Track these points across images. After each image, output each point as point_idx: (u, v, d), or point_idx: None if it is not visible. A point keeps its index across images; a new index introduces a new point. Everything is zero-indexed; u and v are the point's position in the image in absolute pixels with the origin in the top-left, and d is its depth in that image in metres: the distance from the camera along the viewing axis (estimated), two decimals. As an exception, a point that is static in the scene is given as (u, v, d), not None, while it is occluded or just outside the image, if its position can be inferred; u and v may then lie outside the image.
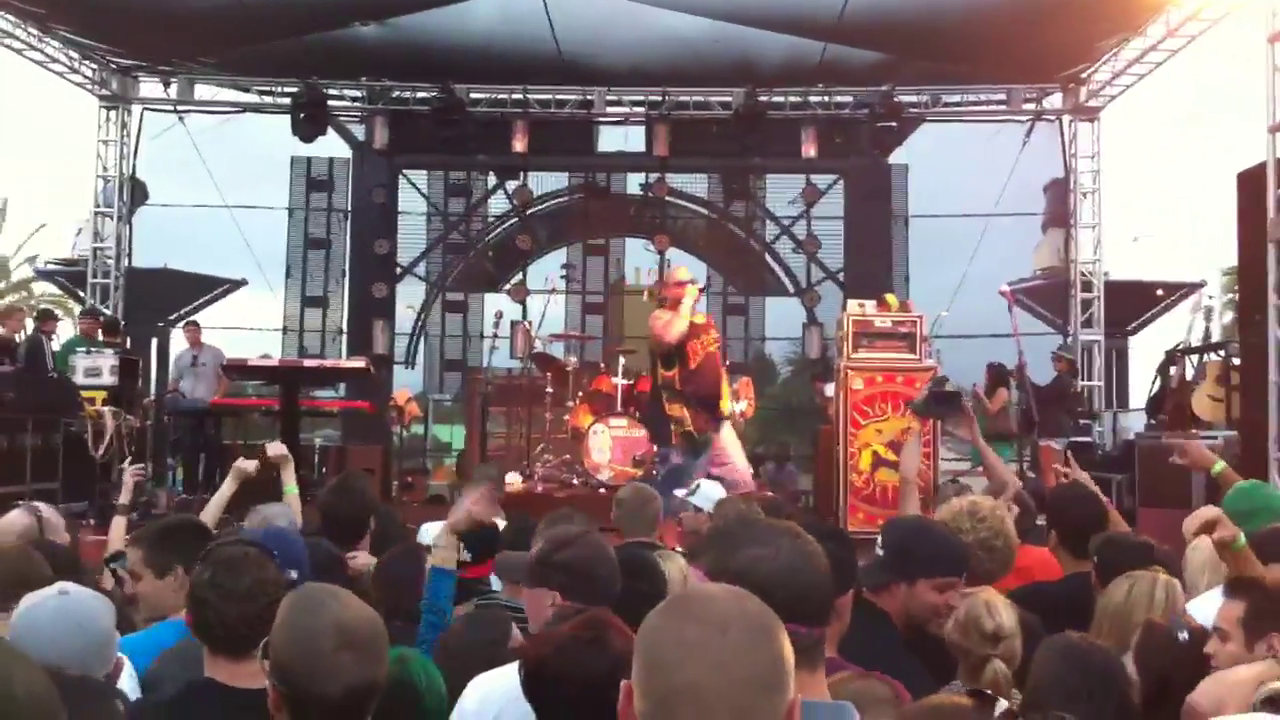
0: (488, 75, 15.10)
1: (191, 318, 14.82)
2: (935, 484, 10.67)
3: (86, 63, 15.26)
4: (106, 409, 11.17)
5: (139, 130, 15.91)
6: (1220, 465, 3.96)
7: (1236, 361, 11.12)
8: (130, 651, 3.14)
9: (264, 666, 2.38)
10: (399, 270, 17.01)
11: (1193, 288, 15.43)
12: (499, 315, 14.04)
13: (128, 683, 3.02)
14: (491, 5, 12.75)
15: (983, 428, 11.12)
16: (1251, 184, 10.04)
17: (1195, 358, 12.35)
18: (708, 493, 6.19)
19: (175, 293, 16.50)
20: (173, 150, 15.64)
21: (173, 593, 3.60)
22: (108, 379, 11.88)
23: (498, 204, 17.44)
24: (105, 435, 10.85)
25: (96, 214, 15.78)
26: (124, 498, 5.67)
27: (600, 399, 12.14)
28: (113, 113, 15.81)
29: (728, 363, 10.82)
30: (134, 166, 15.94)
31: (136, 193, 15.96)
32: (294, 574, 3.05)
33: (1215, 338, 12.91)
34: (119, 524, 5.41)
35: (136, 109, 15.95)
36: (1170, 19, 12.96)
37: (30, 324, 12.33)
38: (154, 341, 16.07)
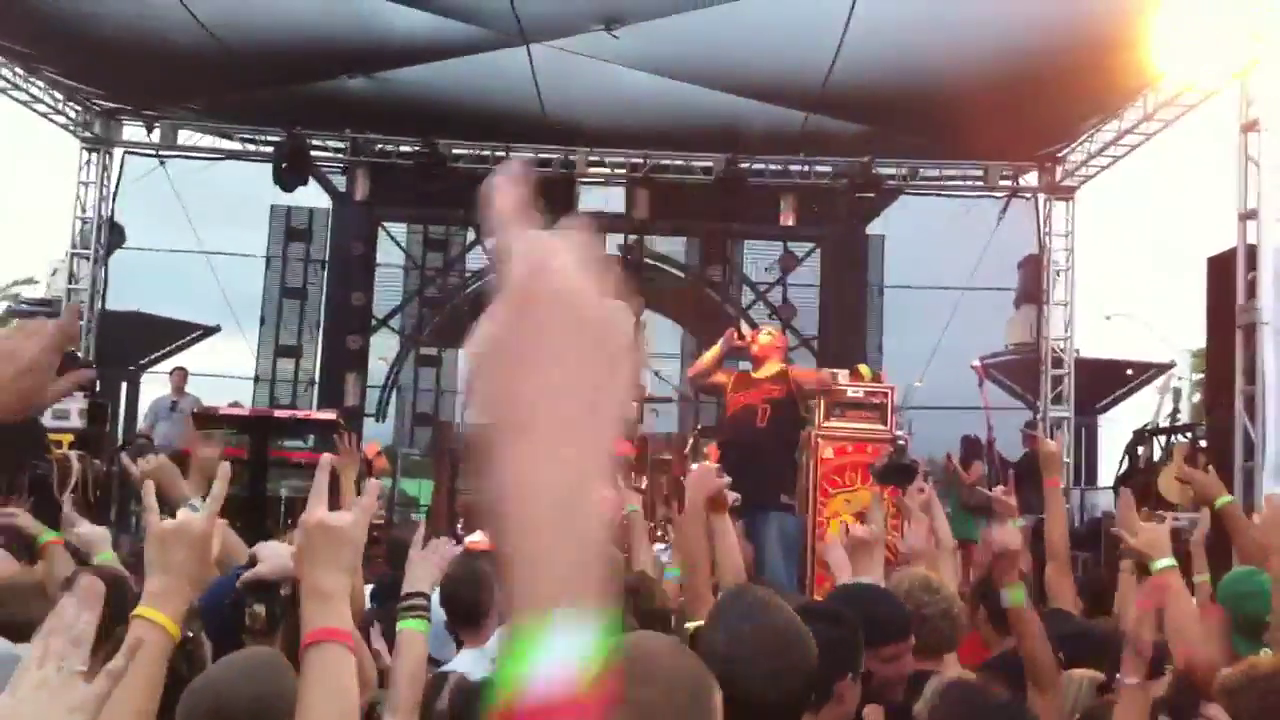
0: (471, 132, 15.19)
1: (178, 363, 14.80)
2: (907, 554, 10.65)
3: (70, 104, 15.28)
4: (73, 452, 11.09)
5: (119, 173, 15.91)
6: (1165, 561, 3.74)
7: (1204, 444, 11.20)
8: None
9: None
10: (374, 322, 16.98)
11: (1162, 368, 15.57)
12: (473, 371, 14.00)
13: None
14: (478, 63, 12.84)
15: (958, 500, 11.18)
16: (1221, 269, 10.19)
17: (1163, 439, 12.43)
18: None
19: (147, 337, 16.42)
20: (152, 193, 15.63)
21: None
22: (75, 422, 11.80)
23: (475, 259, 17.46)
24: (71, 479, 10.76)
25: (72, 255, 15.73)
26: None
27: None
28: (94, 155, 15.80)
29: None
30: (112, 209, 15.91)
31: (114, 235, 15.91)
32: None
33: (1184, 419, 13.00)
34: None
35: (118, 152, 15.95)
36: (1147, 104, 13.17)
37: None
38: (124, 385, 15.95)
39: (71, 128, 15.53)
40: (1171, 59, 10.47)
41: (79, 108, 15.43)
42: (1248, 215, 9.71)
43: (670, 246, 17.40)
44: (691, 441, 12.84)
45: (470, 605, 4.74)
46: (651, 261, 17.08)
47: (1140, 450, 12.60)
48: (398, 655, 3.06)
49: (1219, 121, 11.53)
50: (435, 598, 4.66)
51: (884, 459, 7.35)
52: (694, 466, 12.10)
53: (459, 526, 12.11)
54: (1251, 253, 9.60)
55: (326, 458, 2.12)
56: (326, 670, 1.93)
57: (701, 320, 17.48)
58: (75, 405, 11.87)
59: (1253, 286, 9.52)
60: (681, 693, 1.65)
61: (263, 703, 2.38)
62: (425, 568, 3.40)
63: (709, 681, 1.69)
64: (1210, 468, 3.89)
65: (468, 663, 4.41)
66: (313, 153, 15.54)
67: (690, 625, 3.52)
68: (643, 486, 11.61)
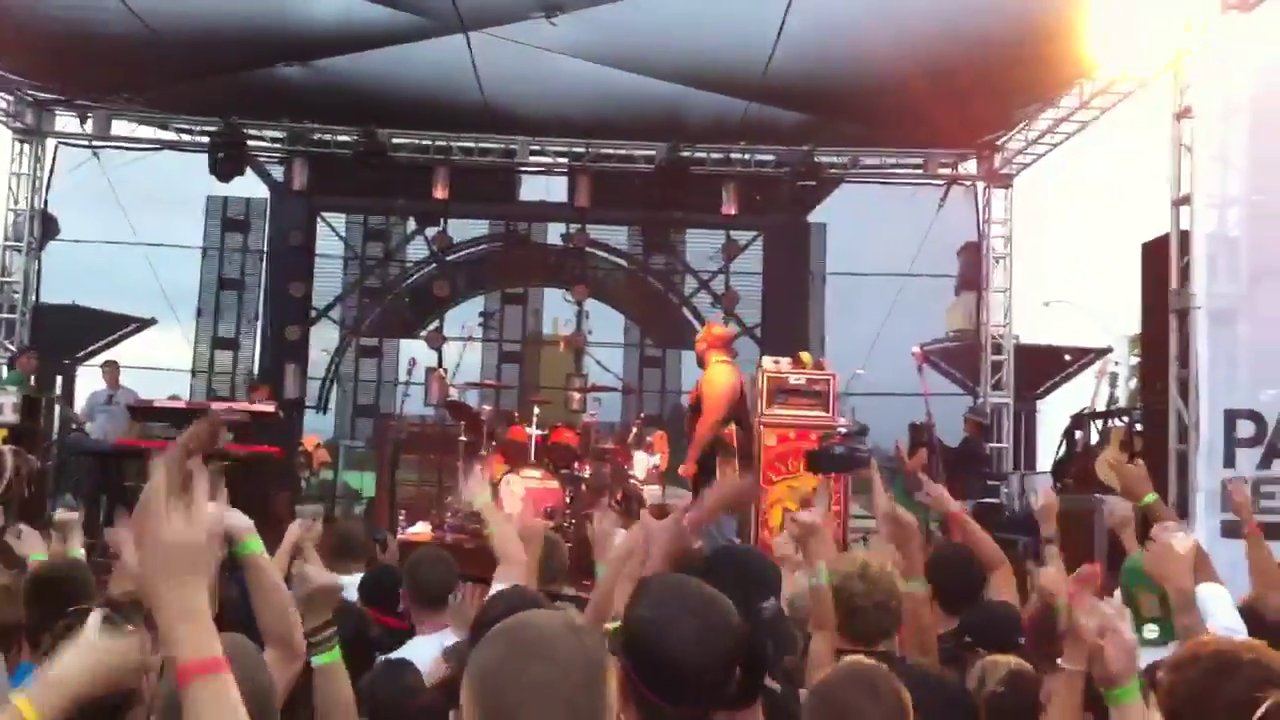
0: (411, 121, 15.07)
1: (109, 357, 14.60)
2: (845, 540, 10.73)
3: (1, 94, 14.99)
4: (7, 447, 10.88)
5: (52, 164, 15.62)
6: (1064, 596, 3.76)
7: (1140, 428, 11.35)
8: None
9: None
10: (313, 314, 16.83)
11: (1099, 353, 15.73)
12: (413, 362, 13.92)
13: None
14: (418, 51, 12.72)
15: (903, 486, 11.25)
16: (1155, 255, 10.31)
17: (1100, 423, 12.57)
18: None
19: (82, 330, 16.15)
20: (86, 185, 15.36)
21: None
22: (9, 416, 11.62)
23: (416, 250, 17.35)
24: (4, 474, 10.55)
25: (5, 247, 15.44)
26: None
27: (514, 449, 12.06)
28: (26, 146, 15.51)
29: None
30: (45, 200, 15.62)
31: (47, 227, 15.62)
32: None
33: (1121, 403, 13.14)
34: None
35: (50, 143, 15.66)
36: (1083, 92, 13.33)
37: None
38: (59, 379, 15.67)
39: (3, 118, 15.23)
40: (1106, 47, 10.56)
41: (10, 97, 15.14)
42: (1181, 201, 9.82)
43: (613, 235, 17.39)
44: (635, 431, 12.83)
45: (435, 586, 4.78)
46: (594, 250, 17.06)
47: (1078, 435, 12.72)
48: (326, 693, 2.87)
49: (1153, 109, 11.66)
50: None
51: (817, 448, 7.38)
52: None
53: (400, 518, 12.06)
54: (1184, 238, 9.70)
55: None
56: (221, 708, 1.69)
57: (645, 309, 17.51)
58: (8, 400, 11.68)
59: (1186, 272, 9.62)
60: (578, 671, 1.67)
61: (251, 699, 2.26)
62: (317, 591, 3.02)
63: (605, 662, 1.71)
64: (1140, 460, 3.95)
65: (422, 648, 4.39)
66: (250, 142, 15.36)
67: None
68: (586, 475, 11.59)
